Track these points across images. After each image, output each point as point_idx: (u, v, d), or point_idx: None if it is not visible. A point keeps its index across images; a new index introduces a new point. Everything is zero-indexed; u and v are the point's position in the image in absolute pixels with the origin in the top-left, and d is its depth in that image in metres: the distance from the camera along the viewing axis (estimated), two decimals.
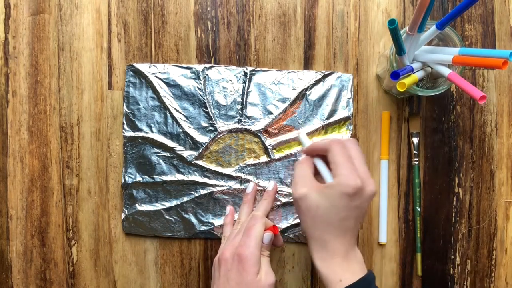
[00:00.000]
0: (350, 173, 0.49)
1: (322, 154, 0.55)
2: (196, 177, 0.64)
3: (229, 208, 0.64)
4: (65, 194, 0.65)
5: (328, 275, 0.50)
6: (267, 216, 0.60)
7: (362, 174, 0.50)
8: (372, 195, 0.50)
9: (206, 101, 0.63)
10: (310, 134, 0.63)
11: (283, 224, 0.64)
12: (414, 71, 0.54)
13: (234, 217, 0.63)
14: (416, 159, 0.63)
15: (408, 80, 0.51)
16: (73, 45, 0.64)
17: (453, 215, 0.64)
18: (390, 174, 0.64)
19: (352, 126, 0.64)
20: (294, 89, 0.63)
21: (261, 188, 0.64)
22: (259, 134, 0.63)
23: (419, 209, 0.64)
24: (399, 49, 0.52)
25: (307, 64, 0.65)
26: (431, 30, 0.54)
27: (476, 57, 0.50)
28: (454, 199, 0.64)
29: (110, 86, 0.65)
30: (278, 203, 0.64)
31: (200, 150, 0.63)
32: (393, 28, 0.48)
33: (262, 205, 0.61)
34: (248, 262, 0.51)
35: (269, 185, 0.63)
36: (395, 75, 0.51)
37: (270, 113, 0.63)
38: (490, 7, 0.64)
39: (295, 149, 0.64)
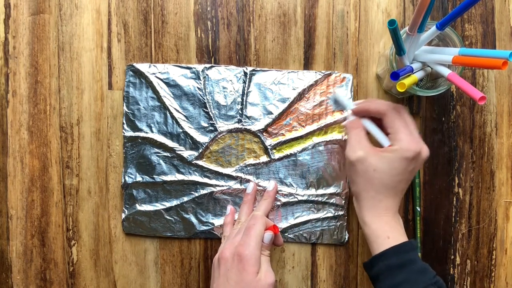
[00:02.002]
0: (411, 138, 0.52)
1: (371, 116, 0.57)
2: (196, 177, 0.64)
3: (229, 208, 0.64)
4: (65, 194, 0.65)
5: (377, 231, 0.52)
6: (267, 216, 0.60)
7: (419, 139, 0.53)
8: (426, 158, 0.54)
9: (206, 101, 0.63)
10: (311, 134, 0.63)
11: (283, 224, 0.64)
12: (414, 71, 0.54)
13: (234, 217, 0.63)
14: None
15: (408, 81, 0.51)
16: (73, 45, 0.64)
17: (453, 215, 0.64)
18: None
19: None
20: (294, 89, 0.63)
21: (261, 188, 0.64)
22: (259, 134, 0.63)
23: (419, 209, 0.64)
24: (399, 49, 0.52)
25: (307, 64, 0.64)
26: (431, 30, 0.54)
27: (476, 58, 0.50)
28: (454, 199, 0.64)
29: (110, 86, 0.65)
30: (278, 203, 0.64)
31: (200, 150, 0.63)
32: (393, 28, 0.48)
33: (262, 205, 0.61)
34: (248, 262, 0.51)
35: (269, 185, 0.63)
36: (395, 76, 0.51)
37: (270, 113, 0.63)
38: (490, 7, 0.64)
39: (295, 149, 0.63)
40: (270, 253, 0.55)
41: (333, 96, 0.62)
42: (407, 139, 0.52)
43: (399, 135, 0.52)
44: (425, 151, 0.53)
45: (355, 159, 0.53)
